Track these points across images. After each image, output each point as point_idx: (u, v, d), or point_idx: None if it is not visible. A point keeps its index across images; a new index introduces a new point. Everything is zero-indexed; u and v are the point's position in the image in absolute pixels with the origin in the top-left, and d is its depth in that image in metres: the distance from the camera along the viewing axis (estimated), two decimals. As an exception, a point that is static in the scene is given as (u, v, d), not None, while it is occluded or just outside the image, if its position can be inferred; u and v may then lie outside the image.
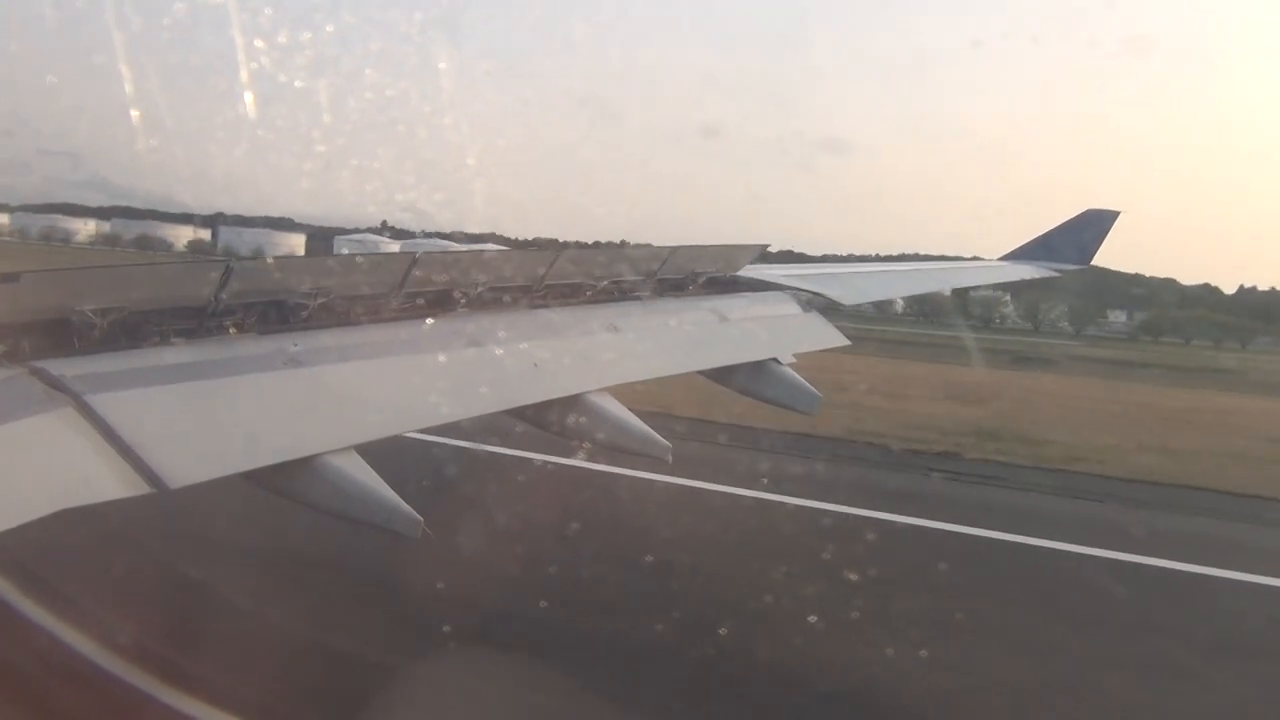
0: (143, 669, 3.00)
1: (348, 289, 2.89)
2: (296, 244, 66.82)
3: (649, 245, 4.14)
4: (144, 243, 68.20)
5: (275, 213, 66.98)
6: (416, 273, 3.04)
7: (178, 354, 2.42)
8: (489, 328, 3.20)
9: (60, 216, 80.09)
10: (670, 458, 3.32)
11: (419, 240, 46.57)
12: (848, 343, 4.83)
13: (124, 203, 77.41)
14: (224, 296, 2.54)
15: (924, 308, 56.06)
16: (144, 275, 2.66)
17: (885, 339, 28.23)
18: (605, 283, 3.86)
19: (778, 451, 8.97)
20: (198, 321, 2.54)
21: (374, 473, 2.45)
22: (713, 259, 4.48)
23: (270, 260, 3.34)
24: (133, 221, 74.21)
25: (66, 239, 74.73)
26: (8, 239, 70.68)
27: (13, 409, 1.97)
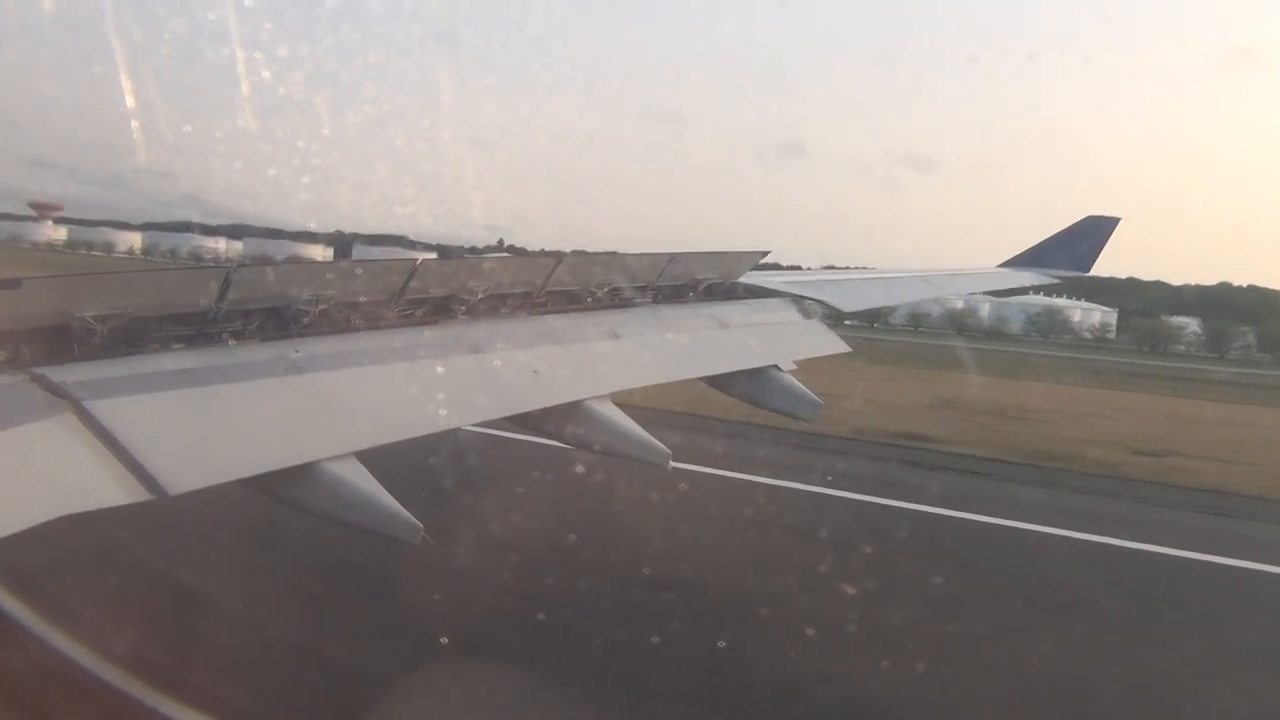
0: (140, 676, 2.99)
1: (349, 296, 2.89)
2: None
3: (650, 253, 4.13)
4: (294, 263, 67.13)
5: (393, 230, 66.35)
6: (417, 281, 3.04)
7: (178, 360, 2.41)
8: (489, 335, 3.19)
9: (194, 235, 79.80)
10: (670, 465, 3.30)
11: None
12: (849, 349, 4.81)
13: (221, 220, 77.30)
14: (225, 303, 2.54)
15: (969, 319, 54.80)
16: (145, 281, 2.66)
17: (1098, 369, 25.18)
18: (605, 290, 3.86)
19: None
20: (198, 328, 2.53)
21: (374, 479, 2.44)
22: (713, 266, 4.47)
23: (270, 267, 3.33)
24: (266, 241, 74.28)
25: (216, 260, 74.51)
26: (154, 259, 70.03)
27: (13, 415, 1.96)
